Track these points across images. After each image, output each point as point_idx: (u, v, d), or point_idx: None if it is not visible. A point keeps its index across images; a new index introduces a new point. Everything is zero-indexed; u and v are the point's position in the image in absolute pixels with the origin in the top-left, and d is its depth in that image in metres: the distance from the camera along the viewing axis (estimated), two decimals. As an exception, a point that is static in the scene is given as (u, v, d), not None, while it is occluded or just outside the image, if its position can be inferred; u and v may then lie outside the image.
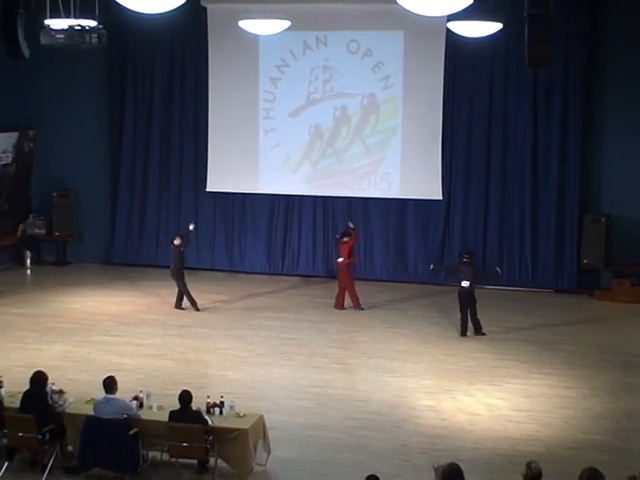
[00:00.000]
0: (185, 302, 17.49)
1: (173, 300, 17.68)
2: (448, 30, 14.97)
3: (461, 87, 19.13)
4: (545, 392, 13.26)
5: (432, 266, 17.44)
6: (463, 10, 8.79)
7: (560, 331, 16.37)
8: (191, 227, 17.97)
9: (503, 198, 19.22)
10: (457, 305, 16.10)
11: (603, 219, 18.40)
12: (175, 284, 17.53)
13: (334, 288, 18.02)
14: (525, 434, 11.70)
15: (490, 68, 18.89)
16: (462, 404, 12.76)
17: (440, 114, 19.06)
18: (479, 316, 15.97)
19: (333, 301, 17.77)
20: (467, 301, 15.91)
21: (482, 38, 14.77)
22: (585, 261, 18.60)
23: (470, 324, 15.97)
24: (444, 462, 7.74)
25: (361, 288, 18.40)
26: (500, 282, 19.02)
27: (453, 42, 17.87)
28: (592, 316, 17.51)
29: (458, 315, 16.03)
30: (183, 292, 17.45)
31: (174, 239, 17.54)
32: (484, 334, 15.92)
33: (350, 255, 17.75)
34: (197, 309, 17.37)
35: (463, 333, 15.94)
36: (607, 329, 16.72)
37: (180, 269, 17.36)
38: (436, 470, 7.66)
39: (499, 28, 13.98)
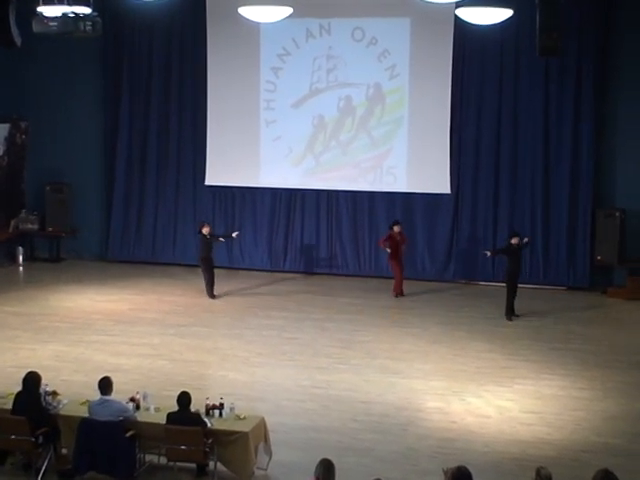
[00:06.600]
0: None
1: (171, 298, 17.76)
2: (456, 17, 14.91)
3: (470, 77, 18.96)
4: (557, 393, 13.08)
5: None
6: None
7: (572, 330, 16.23)
8: (234, 235, 18.38)
9: (513, 192, 19.01)
10: (466, 304, 16.50)
11: (617, 214, 18.25)
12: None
13: (337, 286, 17.91)
14: (536, 437, 11.53)
15: (500, 57, 18.69)
16: (471, 406, 12.59)
17: (448, 105, 18.86)
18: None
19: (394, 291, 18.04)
20: None
21: (491, 25, 14.49)
22: (598, 257, 18.44)
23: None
24: (453, 466, 7.59)
25: (366, 285, 18.28)
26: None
27: (462, 30, 17.74)
28: (605, 314, 17.43)
29: (465, 313, 16.02)
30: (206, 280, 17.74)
31: (203, 227, 17.66)
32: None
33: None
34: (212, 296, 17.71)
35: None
36: (621, 328, 16.58)
37: (206, 258, 17.62)
38: (445, 473, 7.54)
39: (509, 15, 13.69)
